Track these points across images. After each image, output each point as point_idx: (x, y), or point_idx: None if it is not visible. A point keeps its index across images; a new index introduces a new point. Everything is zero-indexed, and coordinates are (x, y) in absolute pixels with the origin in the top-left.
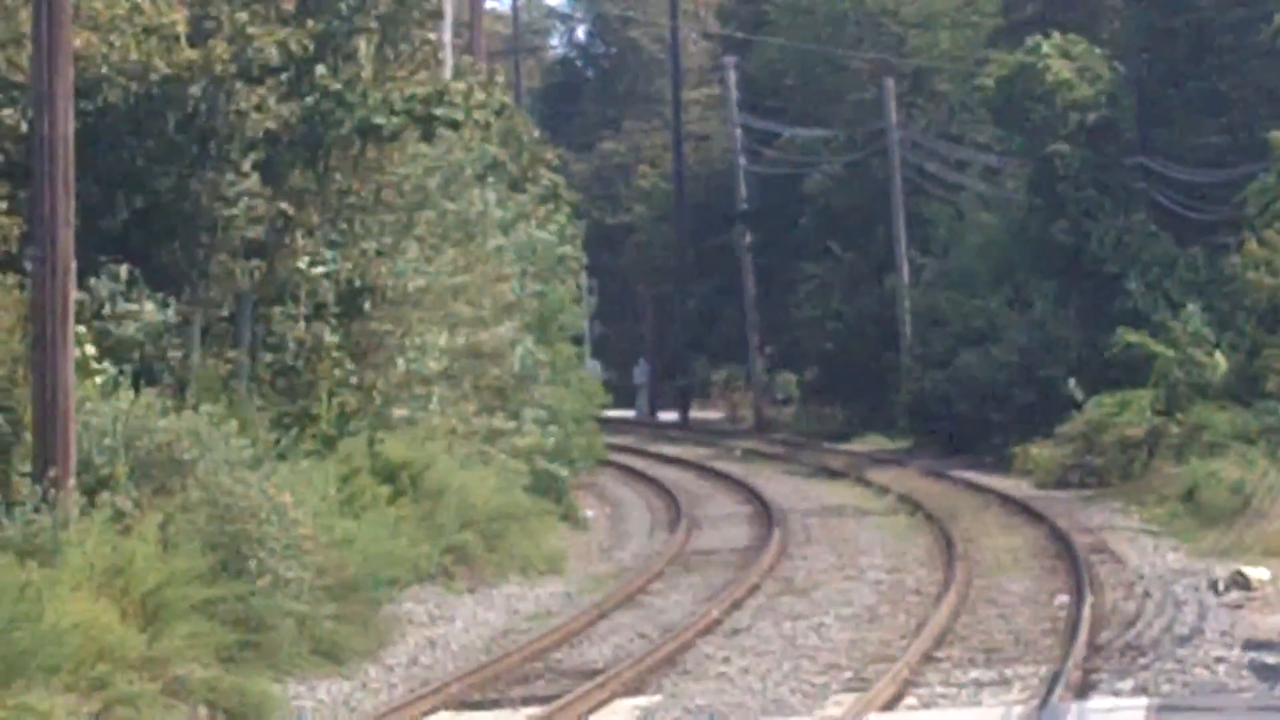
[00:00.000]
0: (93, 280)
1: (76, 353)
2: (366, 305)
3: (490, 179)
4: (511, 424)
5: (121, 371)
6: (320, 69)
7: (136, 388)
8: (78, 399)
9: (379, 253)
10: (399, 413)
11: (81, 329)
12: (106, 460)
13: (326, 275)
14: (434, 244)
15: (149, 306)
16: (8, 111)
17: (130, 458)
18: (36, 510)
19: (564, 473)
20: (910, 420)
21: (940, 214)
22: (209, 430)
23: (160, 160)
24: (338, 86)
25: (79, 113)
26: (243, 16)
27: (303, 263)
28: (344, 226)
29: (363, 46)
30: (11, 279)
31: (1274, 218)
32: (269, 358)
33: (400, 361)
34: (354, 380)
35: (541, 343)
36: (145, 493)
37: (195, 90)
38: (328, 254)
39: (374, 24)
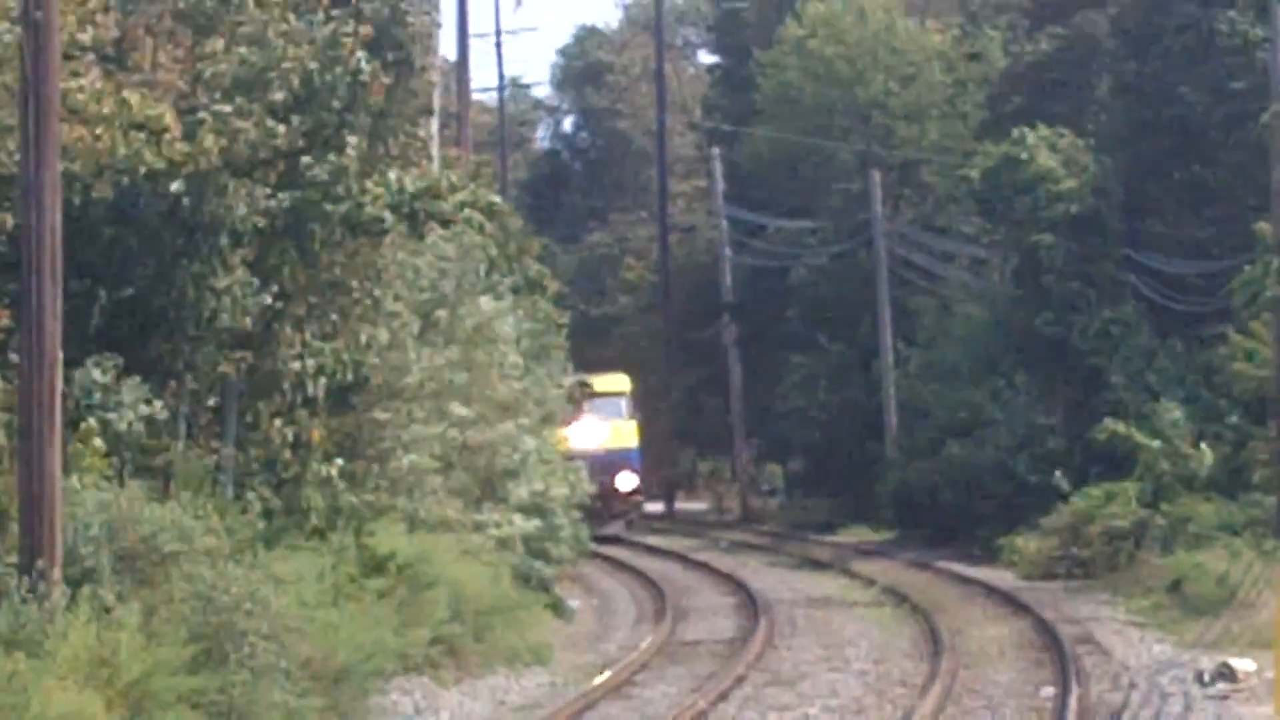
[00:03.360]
0: (79, 372)
1: (81, 447)
2: (355, 400)
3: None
4: (499, 515)
5: (118, 464)
6: (306, 160)
7: (121, 479)
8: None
9: (368, 345)
10: (392, 504)
11: (92, 422)
12: (92, 551)
13: (320, 369)
14: (433, 341)
15: (134, 398)
16: None
17: (114, 549)
18: (23, 601)
19: (550, 564)
20: (896, 511)
21: (925, 305)
22: (191, 522)
23: (143, 252)
24: (325, 178)
25: (63, 204)
26: (227, 108)
27: (291, 356)
28: (335, 319)
29: (352, 141)
30: None
31: (1260, 309)
32: (255, 451)
33: (395, 455)
34: (344, 474)
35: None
36: (129, 584)
37: (178, 185)
38: (322, 346)
39: (364, 119)
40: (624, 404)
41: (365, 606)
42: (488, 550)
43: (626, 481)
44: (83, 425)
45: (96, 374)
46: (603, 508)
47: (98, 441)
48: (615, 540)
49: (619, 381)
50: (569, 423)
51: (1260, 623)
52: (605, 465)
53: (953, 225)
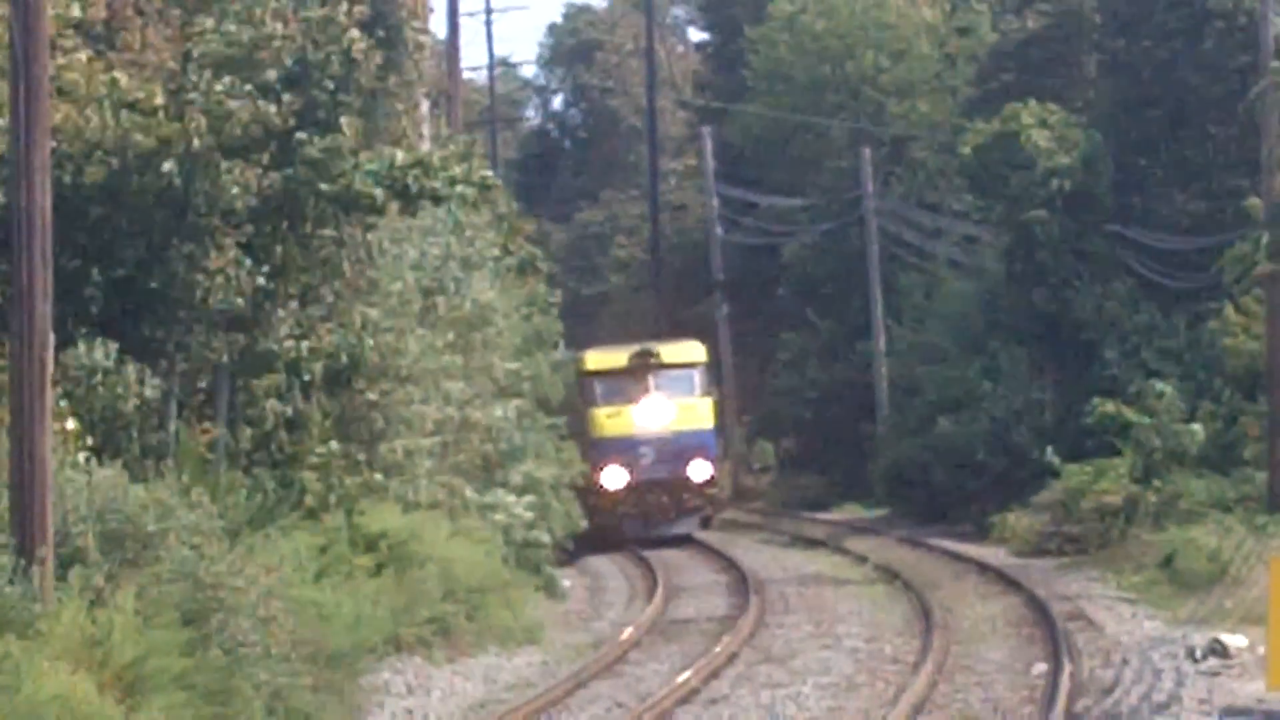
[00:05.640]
0: (72, 353)
1: (57, 427)
2: (354, 381)
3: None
4: (494, 496)
5: (102, 445)
6: (300, 136)
7: (102, 459)
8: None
9: (363, 326)
10: (386, 484)
11: (64, 403)
12: (81, 532)
13: (314, 352)
14: (431, 323)
15: (131, 378)
16: None
17: (102, 529)
18: (12, 582)
19: (544, 541)
20: (887, 489)
21: (915, 282)
22: (180, 502)
23: (134, 233)
24: (318, 155)
25: (54, 184)
26: (219, 88)
27: (284, 337)
28: (329, 300)
29: (345, 121)
30: None
31: (1251, 285)
32: (249, 431)
33: (389, 436)
34: (340, 453)
35: (524, 415)
36: (116, 565)
37: (169, 165)
38: (316, 328)
39: (357, 99)
40: (697, 377)
41: (357, 586)
42: (481, 530)
43: (700, 471)
44: (77, 406)
45: (100, 356)
46: (669, 502)
47: (71, 423)
48: (685, 540)
49: (691, 350)
50: (634, 400)
51: (1252, 598)
52: (674, 451)
53: (944, 201)
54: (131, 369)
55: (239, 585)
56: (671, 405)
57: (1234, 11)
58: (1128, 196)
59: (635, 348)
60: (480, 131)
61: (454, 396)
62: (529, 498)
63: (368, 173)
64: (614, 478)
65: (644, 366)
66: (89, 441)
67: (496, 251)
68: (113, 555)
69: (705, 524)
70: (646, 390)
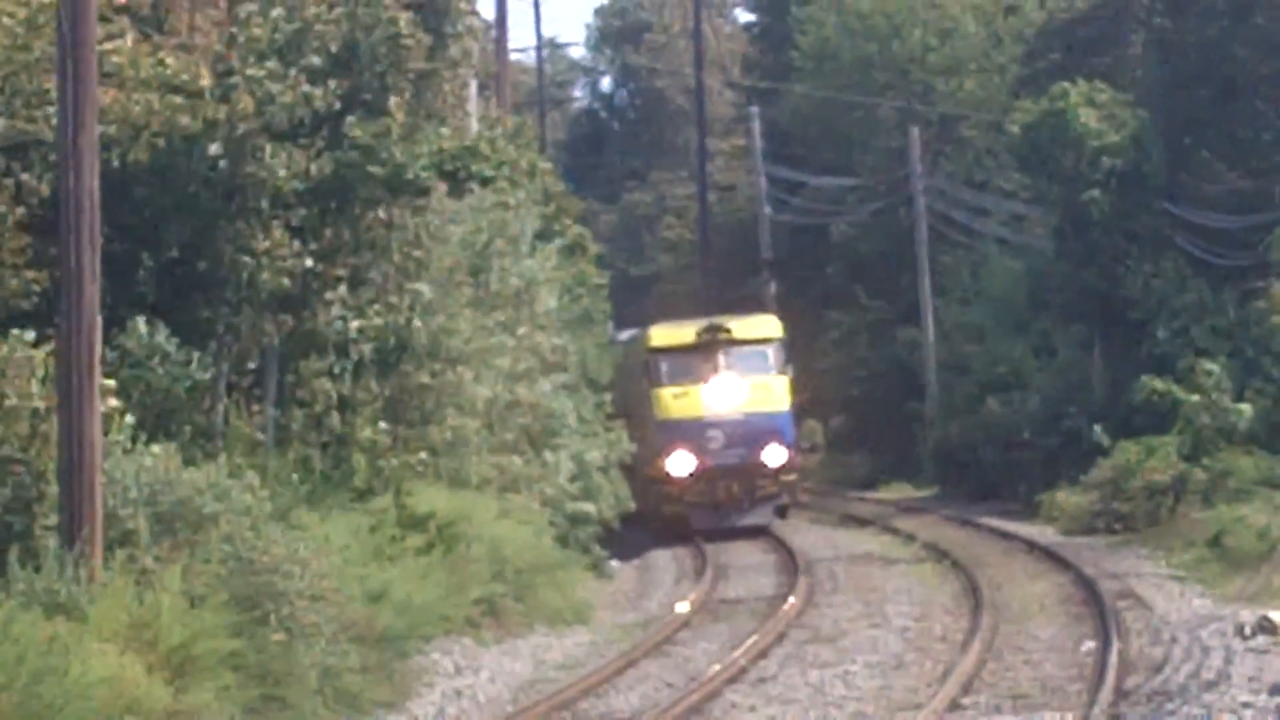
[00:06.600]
0: (133, 333)
1: (103, 408)
2: (404, 363)
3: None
4: (542, 469)
5: (153, 428)
6: (350, 119)
7: (141, 435)
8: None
9: (411, 308)
10: (434, 461)
11: (110, 382)
12: (131, 514)
13: (360, 331)
14: (481, 303)
15: (183, 360)
16: (25, 176)
17: (153, 512)
18: (62, 565)
19: (590, 515)
20: (936, 468)
21: (964, 261)
22: (231, 483)
23: (182, 215)
24: (368, 140)
25: (101, 167)
26: (261, 72)
27: (333, 318)
28: (378, 282)
29: (394, 102)
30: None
31: None
32: (298, 412)
33: (440, 417)
34: (390, 435)
35: (572, 393)
36: (166, 547)
37: (216, 148)
38: (364, 309)
39: (406, 82)
40: (772, 354)
41: (406, 567)
42: (530, 509)
43: (775, 455)
44: (129, 389)
45: (161, 339)
46: (741, 490)
47: (113, 400)
48: (760, 531)
49: (765, 325)
50: (704, 379)
51: None
52: (747, 434)
53: (991, 180)
54: (184, 351)
55: (290, 567)
56: (744, 384)
57: None
58: (1176, 175)
59: (704, 322)
60: (528, 113)
61: (503, 375)
62: (573, 467)
63: (420, 164)
64: (681, 464)
65: (714, 343)
66: (129, 420)
67: (539, 224)
68: (163, 538)
69: (781, 514)
70: (717, 369)
